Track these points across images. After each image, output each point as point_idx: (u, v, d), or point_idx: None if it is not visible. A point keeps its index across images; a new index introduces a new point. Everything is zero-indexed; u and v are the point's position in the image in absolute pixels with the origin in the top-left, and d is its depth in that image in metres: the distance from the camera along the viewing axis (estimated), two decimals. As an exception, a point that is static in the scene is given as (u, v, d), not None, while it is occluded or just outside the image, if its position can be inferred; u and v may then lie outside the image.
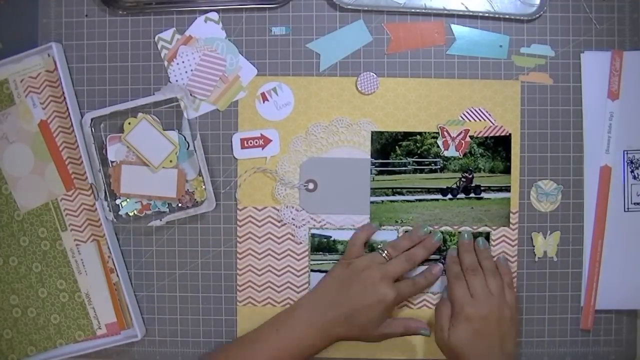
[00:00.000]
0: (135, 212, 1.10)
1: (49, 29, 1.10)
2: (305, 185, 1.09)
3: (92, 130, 1.07)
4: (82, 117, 1.08)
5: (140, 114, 1.07)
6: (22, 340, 1.11)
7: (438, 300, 1.09)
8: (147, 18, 1.10)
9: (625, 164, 1.09)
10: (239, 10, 1.09)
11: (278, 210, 1.10)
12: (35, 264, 1.11)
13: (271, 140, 1.09)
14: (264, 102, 1.09)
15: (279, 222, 1.10)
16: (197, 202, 1.09)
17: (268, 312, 1.10)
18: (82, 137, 1.07)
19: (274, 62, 1.09)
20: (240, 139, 1.09)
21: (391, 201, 1.09)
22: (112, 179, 1.08)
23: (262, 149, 1.09)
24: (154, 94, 1.08)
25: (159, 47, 1.09)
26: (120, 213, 1.10)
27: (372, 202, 1.09)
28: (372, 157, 1.09)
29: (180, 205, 1.09)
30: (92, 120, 1.07)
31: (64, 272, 1.11)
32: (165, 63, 1.09)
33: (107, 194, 1.08)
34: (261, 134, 1.09)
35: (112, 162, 1.09)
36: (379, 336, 1.04)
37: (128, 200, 1.10)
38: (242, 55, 1.09)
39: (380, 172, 1.09)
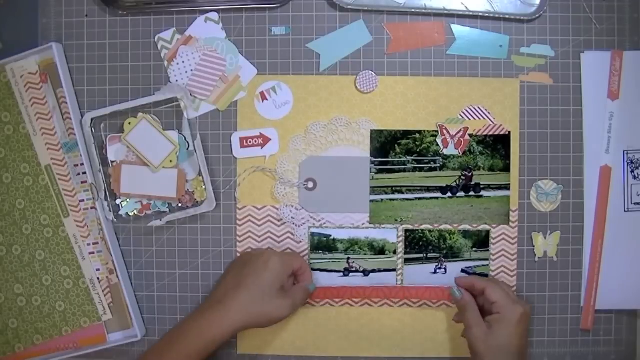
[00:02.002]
0: (135, 212, 1.10)
1: (49, 29, 1.10)
2: (304, 184, 1.09)
3: (92, 130, 1.07)
4: (82, 117, 1.08)
5: (140, 114, 1.07)
6: (28, 329, 1.11)
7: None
8: (147, 18, 1.10)
9: (625, 164, 1.09)
10: (239, 10, 1.09)
11: (277, 209, 1.10)
12: (38, 252, 1.10)
13: (270, 139, 1.09)
14: (263, 101, 1.09)
15: (278, 221, 1.10)
16: (197, 202, 1.09)
17: (267, 311, 1.11)
18: (82, 137, 1.07)
19: (274, 62, 1.10)
20: (240, 138, 1.09)
21: (391, 200, 1.09)
22: (112, 179, 1.08)
23: (262, 148, 1.09)
24: (154, 94, 1.09)
25: (159, 47, 1.10)
26: (120, 213, 1.10)
27: (371, 201, 1.09)
28: (371, 155, 1.09)
29: (180, 205, 1.09)
30: (92, 120, 1.07)
31: (67, 259, 1.11)
32: (165, 63, 1.10)
33: (107, 194, 1.08)
34: (260, 133, 1.09)
35: (112, 162, 1.09)
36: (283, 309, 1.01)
37: (128, 200, 1.10)
38: (242, 55, 1.09)
39: (380, 171, 1.09)
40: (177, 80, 1.09)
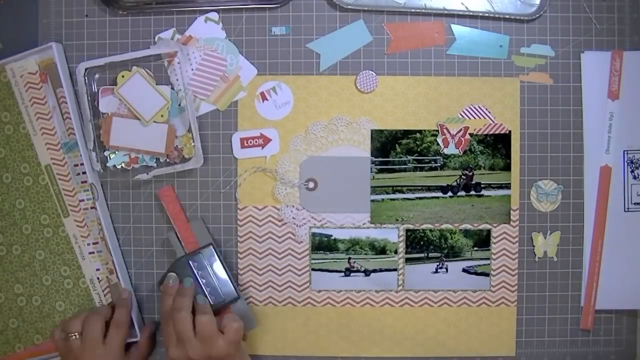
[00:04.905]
0: (123, 164, 1.09)
1: (49, 29, 1.10)
2: (305, 184, 1.09)
3: (85, 80, 1.07)
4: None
5: (134, 67, 1.07)
6: (28, 329, 1.11)
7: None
8: (147, 18, 1.10)
9: (626, 164, 1.09)
10: (239, 10, 1.09)
11: (278, 209, 1.10)
12: (38, 252, 1.10)
13: (271, 140, 1.09)
14: (263, 101, 1.09)
15: (279, 221, 1.10)
16: (185, 158, 1.09)
17: (269, 311, 1.11)
18: (71, 88, 1.08)
19: (274, 62, 1.10)
20: (240, 139, 1.09)
21: (391, 199, 1.09)
22: (102, 130, 1.07)
23: (262, 148, 1.09)
24: (149, 48, 1.09)
25: (159, 47, 1.10)
26: (107, 165, 1.09)
27: (372, 201, 1.09)
28: (372, 155, 1.09)
29: (168, 160, 1.09)
30: (86, 70, 1.07)
31: (67, 259, 1.10)
32: (166, 63, 1.09)
33: (97, 145, 1.08)
34: (261, 133, 1.09)
35: (103, 113, 1.09)
36: None
37: (116, 152, 1.09)
38: (242, 55, 1.09)
39: (381, 171, 1.09)
40: (177, 80, 1.08)
